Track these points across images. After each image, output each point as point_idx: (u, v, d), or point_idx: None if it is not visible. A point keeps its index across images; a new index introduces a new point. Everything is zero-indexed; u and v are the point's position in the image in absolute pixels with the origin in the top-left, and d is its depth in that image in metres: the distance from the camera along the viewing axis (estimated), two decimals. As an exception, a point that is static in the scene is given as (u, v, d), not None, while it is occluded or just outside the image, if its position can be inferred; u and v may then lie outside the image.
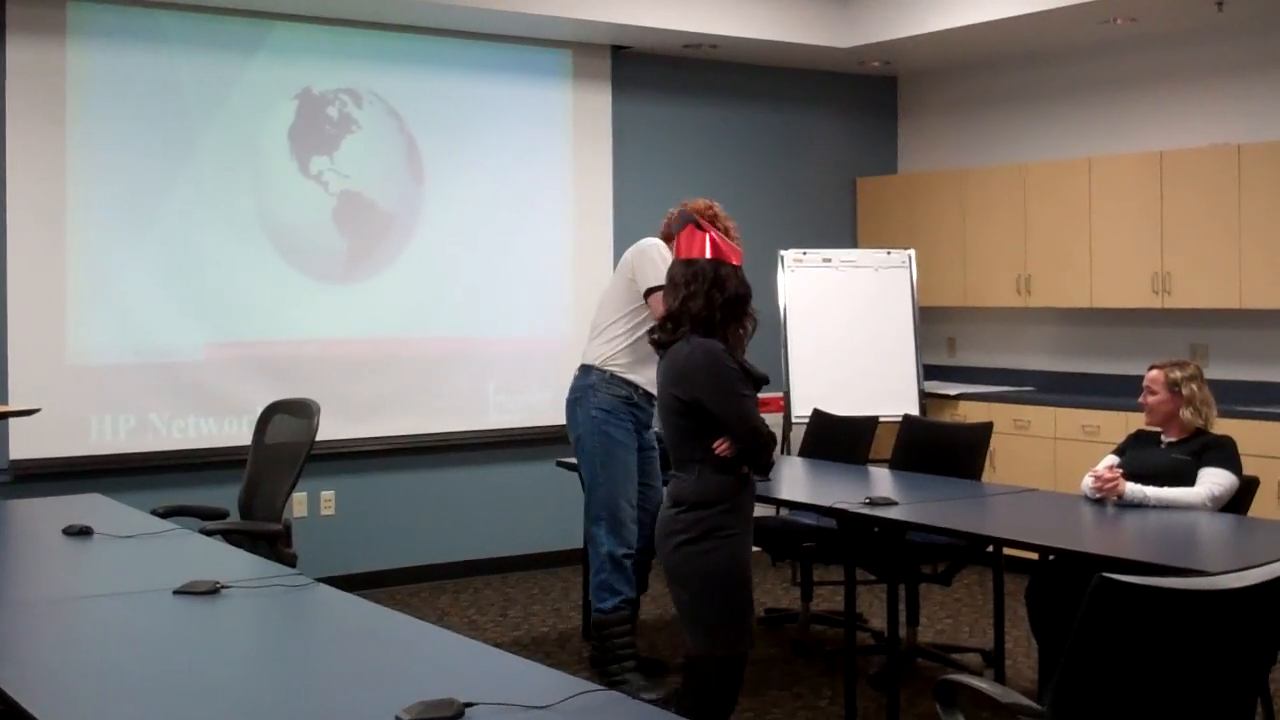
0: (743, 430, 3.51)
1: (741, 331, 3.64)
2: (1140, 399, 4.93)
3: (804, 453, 6.32)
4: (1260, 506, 4.86)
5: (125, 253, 6.53)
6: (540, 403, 7.52)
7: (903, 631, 5.46)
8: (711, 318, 3.54)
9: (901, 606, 5.22)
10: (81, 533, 4.17)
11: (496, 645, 5.73)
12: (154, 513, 4.72)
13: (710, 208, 4.89)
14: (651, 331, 3.77)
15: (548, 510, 7.48)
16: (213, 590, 3.34)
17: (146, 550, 4.00)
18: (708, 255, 3.57)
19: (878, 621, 6.06)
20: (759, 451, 3.55)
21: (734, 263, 3.62)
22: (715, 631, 3.59)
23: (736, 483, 3.58)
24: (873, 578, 5.57)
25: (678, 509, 3.59)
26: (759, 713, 5.07)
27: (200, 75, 6.72)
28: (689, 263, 3.58)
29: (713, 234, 3.61)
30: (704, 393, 3.50)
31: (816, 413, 6.38)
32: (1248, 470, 4.72)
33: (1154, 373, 4.91)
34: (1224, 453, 4.67)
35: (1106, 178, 7.40)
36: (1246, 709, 2.76)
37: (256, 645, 3.12)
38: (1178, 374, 4.83)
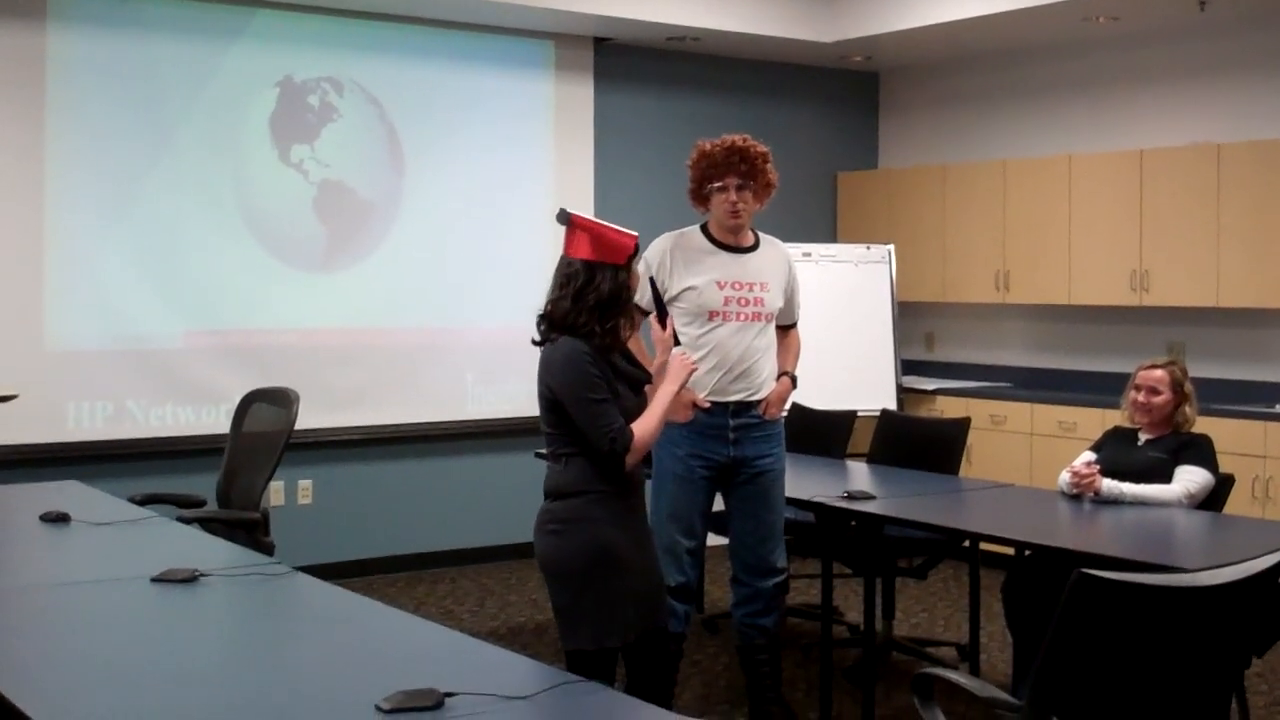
0: (593, 437, 3.43)
1: (627, 330, 3.56)
2: (1138, 400, 4.81)
3: (782, 446, 6.33)
4: (1235, 504, 4.88)
5: (104, 239, 6.50)
6: (519, 393, 7.49)
7: (878, 625, 5.48)
8: (576, 321, 3.46)
9: (878, 600, 5.23)
10: (59, 520, 4.16)
11: (473, 636, 5.74)
12: (131, 500, 4.70)
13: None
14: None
15: (525, 501, 7.33)
16: (191, 578, 3.34)
17: (124, 537, 3.99)
18: (588, 254, 3.48)
19: (854, 615, 6.08)
20: (606, 460, 3.45)
21: (616, 259, 3.50)
22: (581, 625, 3.47)
23: (606, 472, 3.48)
24: (849, 571, 5.59)
25: (546, 500, 3.57)
26: (735, 705, 5.09)
27: (181, 62, 6.68)
28: (568, 263, 3.53)
29: (596, 229, 3.54)
30: (561, 394, 3.46)
31: (795, 406, 6.37)
32: (1224, 468, 4.73)
33: (1158, 372, 4.80)
34: (1200, 451, 4.69)
35: (1086, 175, 7.43)
36: (1222, 705, 2.78)
37: (235, 634, 3.12)
38: (1179, 372, 4.83)
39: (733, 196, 4.49)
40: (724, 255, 4.57)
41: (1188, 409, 4.79)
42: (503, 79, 7.60)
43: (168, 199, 6.65)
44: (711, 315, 4.50)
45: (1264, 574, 2.64)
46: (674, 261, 4.50)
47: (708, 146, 4.56)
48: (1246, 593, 2.62)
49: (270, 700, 2.51)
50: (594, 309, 3.46)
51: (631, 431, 3.46)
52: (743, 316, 4.52)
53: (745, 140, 4.55)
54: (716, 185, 4.51)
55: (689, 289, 4.48)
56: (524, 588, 6.98)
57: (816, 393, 6.54)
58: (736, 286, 4.53)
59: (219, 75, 6.79)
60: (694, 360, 3.87)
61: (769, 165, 4.58)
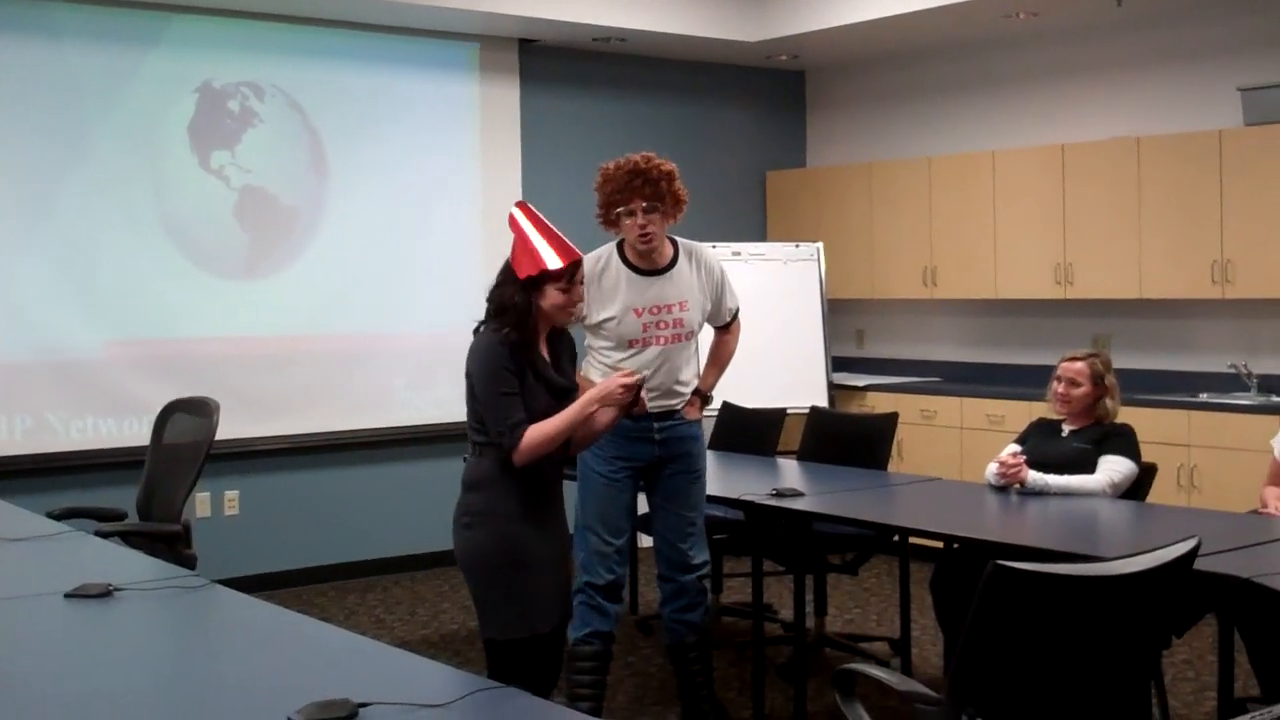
0: (490, 426, 3.55)
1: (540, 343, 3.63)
2: (1058, 390, 4.85)
3: (713, 445, 6.30)
4: (1160, 493, 4.93)
5: (20, 248, 6.38)
6: (449, 398, 7.41)
7: (811, 622, 5.48)
8: (490, 314, 3.60)
9: (809, 597, 5.23)
10: (-29, 536, 4.06)
11: (404, 644, 5.68)
12: (50, 515, 4.61)
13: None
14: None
15: (458, 507, 7.41)
16: (105, 593, 3.27)
17: (38, 553, 3.91)
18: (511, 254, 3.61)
19: (788, 613, 6.08)
20: (499, 452, 3.54)
21: (529, 270, 3.53)
22: (491, 615, 3.61)
23: (512, 466, 3.55)
24: (781, 569, 5.59)
25: (462, 492, 3.68)
26: (667, 705, 5.07)
27: (97, 68, 6.57)
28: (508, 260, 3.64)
29: (521, 234, 3.57)
30: (474, 381, 3.59)
31: (726, 405, 6.39)
32: (1147, 457, 4.78)
33: (1078, 365, 4.84)
34: (1123, 441, 4.73)
35: (1009, 171, 7.49)
36: (1140, 692, 2.80)
37: (148, 649, 3.05)
38: (1100, 365, 4.86)
39: (640, 220, 4.38)
40: (640, 281, 4.49)
41: (1108, 402, 4.82)
42: (427, 82, 7.55)
43: (85, 207, 6.54)
44: (632, 343, 4.48)
45: (1177, 561, 2.65)
46: (589, 293, 4.39)
47: (610, 168, 4.45)
48: (1160, 580, 2.63)
49: (181, 716, 2.46)
50: (495, 309, 3.59)
51: (525, 431, 3.51)
52: (662, 340, 4.50)
53: (648, 161, 4.41)
54: (623, 209, 4.41)
55: (608, 319, 4.46)
56: (456, 594, 6.92)
57: (748, 391, 6.54)
58: (654, 310, 4.48)
59: (136, 81, 6.69)
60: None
61: (676, 183, 4.44)
